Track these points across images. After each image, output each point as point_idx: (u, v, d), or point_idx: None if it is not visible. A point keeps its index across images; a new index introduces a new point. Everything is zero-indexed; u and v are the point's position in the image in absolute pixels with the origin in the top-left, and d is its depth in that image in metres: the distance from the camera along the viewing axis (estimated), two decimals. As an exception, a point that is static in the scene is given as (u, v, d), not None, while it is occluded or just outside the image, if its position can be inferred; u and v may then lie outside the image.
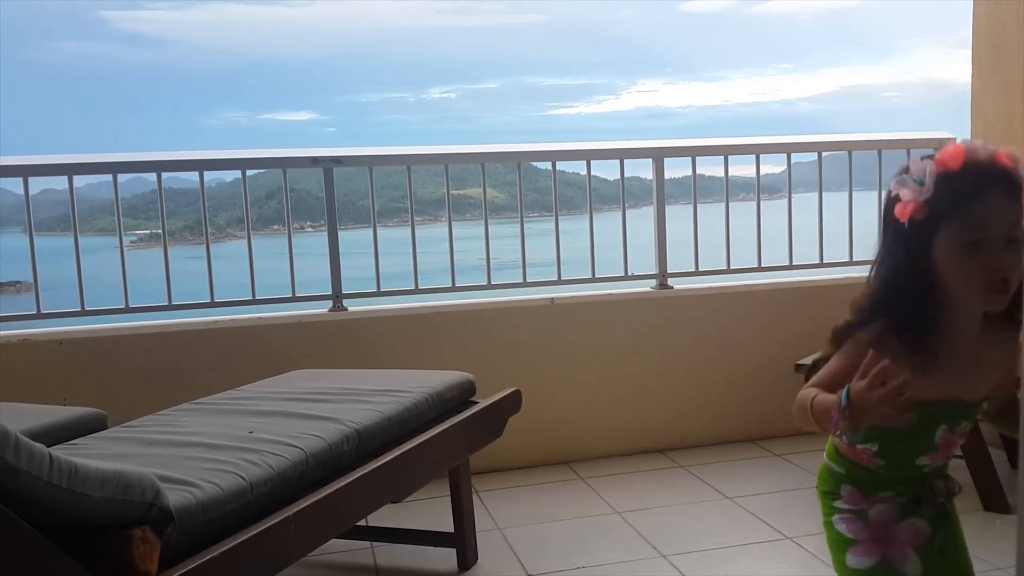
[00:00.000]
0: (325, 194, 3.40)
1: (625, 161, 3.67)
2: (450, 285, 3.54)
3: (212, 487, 1.66)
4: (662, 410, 3.54)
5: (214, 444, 1.92)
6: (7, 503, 1.29)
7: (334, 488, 1.89)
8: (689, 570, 2.40)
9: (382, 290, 3.48)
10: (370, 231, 3.46)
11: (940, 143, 3.85)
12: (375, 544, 2.70)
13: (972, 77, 3.60)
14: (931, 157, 1.26)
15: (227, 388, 2.56)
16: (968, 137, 3.63)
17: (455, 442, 2.42)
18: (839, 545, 1.41)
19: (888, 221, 1.29)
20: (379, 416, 2.23)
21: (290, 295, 3.37)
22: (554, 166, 3.61)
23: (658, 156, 3.65)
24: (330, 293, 3.40)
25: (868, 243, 3.81)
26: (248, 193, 3.36)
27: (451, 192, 3.52)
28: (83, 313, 3.18)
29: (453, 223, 3.50)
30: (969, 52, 3.60)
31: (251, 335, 3.23)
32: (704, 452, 3.45)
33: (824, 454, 1.46)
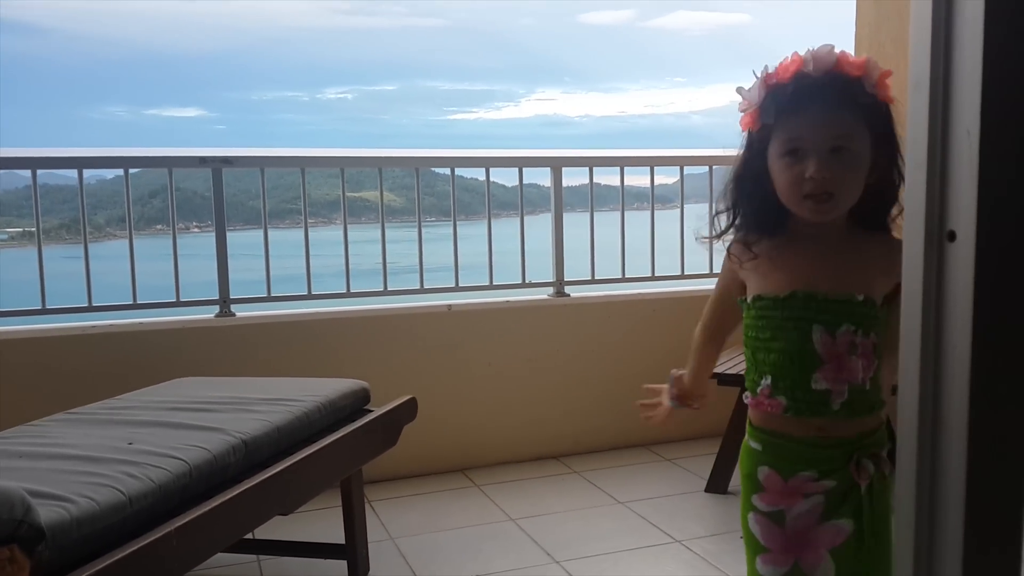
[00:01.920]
0: (213, 195, 3.28)
1: (524, 169, 3.68)
2: (345, 291, 3.47)
3: (88, 502, 1.57)
4: (557, 416, 3.56)
5: (91, 456, 1.81)
6: None
7: (219, 501, 1.81)
8: (582, 575, 2.42)
9: (272, 295, 3.39)
10: (261, 232, 3.36)
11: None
12: (262, 557, 2.61)
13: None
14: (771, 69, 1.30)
15: (105, 397, 2.43)
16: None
17: (348, 452, 2.37)
18: (751, 545, 1.36)
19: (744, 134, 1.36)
20: (268, 426, 2.16)
21: (174, 299, 3.23)
22: (453, 172, 3.60)
23: (556, 165, 3.68)
24: (217, 298, 3.28)
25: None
26: (131, 191, 3.21)
27: (347, 195, 3.46)
28: (-54, 317, 2.98)
29: (348, 226, 3.44)
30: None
31: (131, 341, 3.08)
32: (598, 457, 3.49)
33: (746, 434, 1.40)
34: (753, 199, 1.34)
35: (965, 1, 0.72)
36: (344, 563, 2.48)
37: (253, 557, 2.61)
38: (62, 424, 2.15)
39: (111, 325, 3.10)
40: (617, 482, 3.19)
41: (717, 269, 3.98)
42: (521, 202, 3.67)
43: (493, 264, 3.59)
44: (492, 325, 3.52)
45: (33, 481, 1.59)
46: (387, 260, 3.48)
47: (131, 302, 3.17)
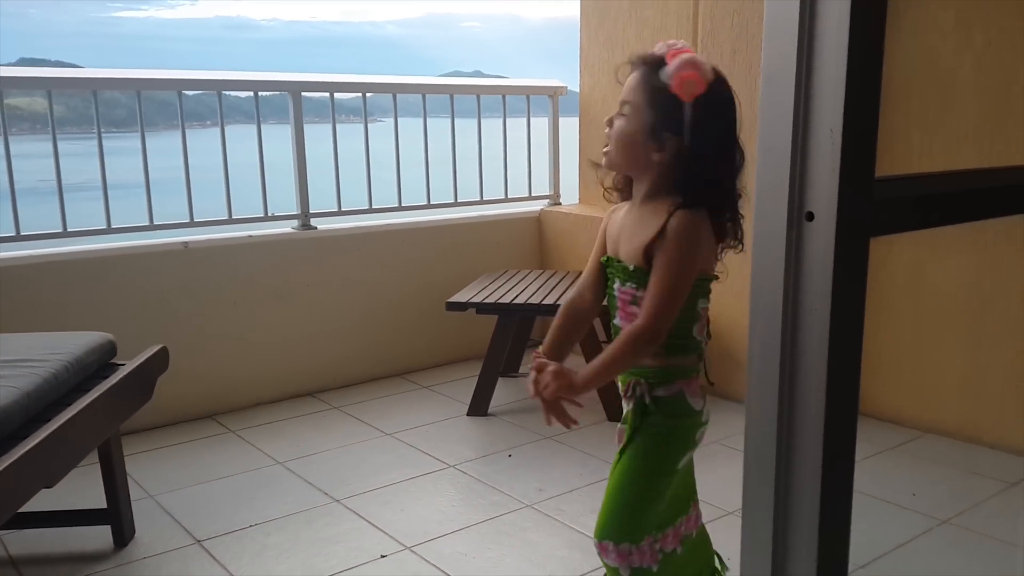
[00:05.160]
0: None
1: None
2: (61, 230, 3.11)
3: None
4: (310, 352, 3.51)
5: None
6: None
7: (-20, 484, 1.61)
8: (365, 511, 2.45)
9: (-30, 237, 2.96)
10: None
11: (555, 90, 4.23)
12: (1, 532, 2.35)
13: (580, 31, 3.98)
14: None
15: None
16: (579, 87, 4.03)
17: (105, 412, 2.17)
18: None
19: None
20: (16, 393, 1.93)
21: None
22: (180, 98, 3.32)
23: (295, 90, 3.53)
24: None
25: (496, 185, 4.07)
26: None
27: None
28: None
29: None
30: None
31: None
32: (355, 391, 3.49)
33: None
34: None
35: (828, 9, 0.82)
36: (107, 528, 2.31)
37: (-11, 535, 2.35)
38: None
39: None
40: (379, 414, 3.23)
41: (462, 197, 4.09)
42: (259, 129, 3.48)
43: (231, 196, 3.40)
44: (235, 261, 3.36)
45: None
46: (107, 184, 3.14)
47: None
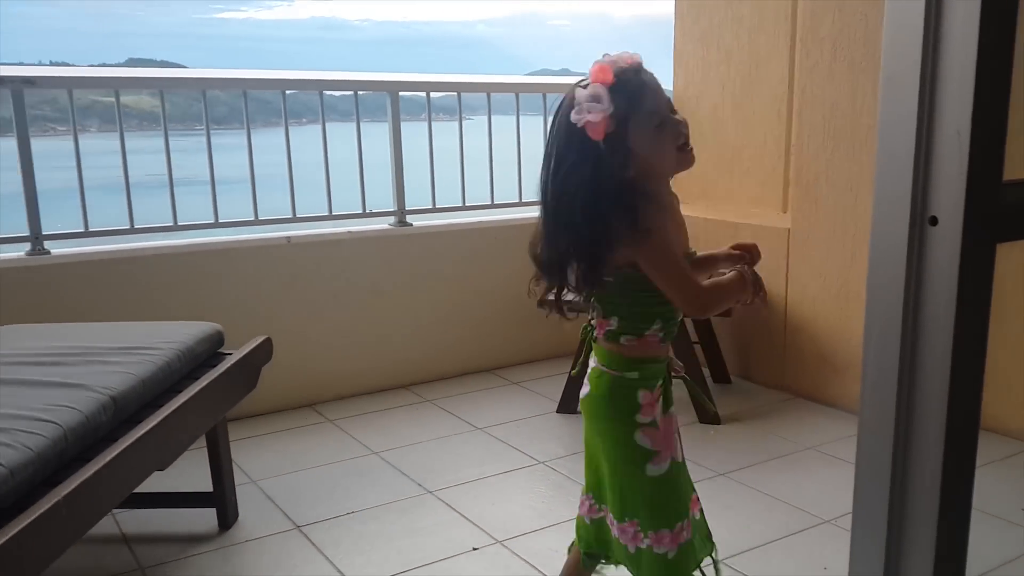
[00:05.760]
0: (15, 122, 2.95)
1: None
2: (172, 223, 3.26)
3: (-38, 481, 1.43)
4: (404, 346, 3.58)
5: (-57, 427, 1.64)
6: None
7: (100, 464, 1.69)
8: (458, 503, 2.49)
9: (90, 230, 3.12)
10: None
11: (648, 89, 4.19)
12: (116, 512, 2.48)
13: (675, 28, 3.94)
14: (583, 84, 1.44)
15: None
16: (672, 84, 3.98)
17: (213, 399, 2.27)
18: (640, 458, 1.53)
19: (581, 151, 1.43)
20: (133, 379, 2.03)
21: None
22: (284, 97, 3.43)
23: (393, 90, 3.59)
24: (28, 234, 2.99)
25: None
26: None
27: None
28: None
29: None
30: None
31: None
32: (447, 384, 3.55)
33: (605, 376, 1.55)
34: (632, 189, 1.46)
35: (956, 4, 0.79)
36: (212, 511, 2.41)
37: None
38: None
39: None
40: (471, 408, 3.28)
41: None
42: (358, 130, 3.57)
43: (331, 190, 3.49)
44: (334, 257, 3.45)
45: None
46: (216, 186, 3.28)
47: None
